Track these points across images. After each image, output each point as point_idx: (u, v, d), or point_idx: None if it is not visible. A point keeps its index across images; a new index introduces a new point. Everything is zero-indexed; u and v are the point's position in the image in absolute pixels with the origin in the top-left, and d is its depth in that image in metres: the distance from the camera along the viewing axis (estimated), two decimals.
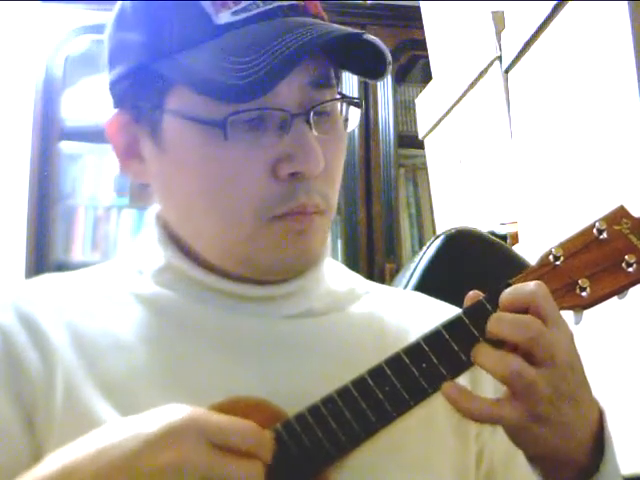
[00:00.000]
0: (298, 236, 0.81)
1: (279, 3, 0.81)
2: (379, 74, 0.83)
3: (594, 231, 0.79)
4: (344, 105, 0.85)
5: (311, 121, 0.79)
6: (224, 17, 0.80)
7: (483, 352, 0.73)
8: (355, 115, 0.85)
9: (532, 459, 0.77)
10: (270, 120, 0.79)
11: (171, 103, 0.81)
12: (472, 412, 0.72)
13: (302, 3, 0.82)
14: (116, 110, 0.86)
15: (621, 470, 0.86)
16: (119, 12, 0.86)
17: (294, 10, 0.82)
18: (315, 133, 0.80)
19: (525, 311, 0.73)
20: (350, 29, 0.81)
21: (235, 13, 0.80)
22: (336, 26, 0.81)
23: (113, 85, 0.86)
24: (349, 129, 0.85)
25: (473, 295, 0.77)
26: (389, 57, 0.81)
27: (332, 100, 0.82)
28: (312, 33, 0.77)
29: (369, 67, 0.82)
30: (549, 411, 0.72)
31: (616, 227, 0.79)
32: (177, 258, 0.86)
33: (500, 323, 0.73)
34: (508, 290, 0.75)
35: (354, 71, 0.84)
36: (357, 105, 0.85)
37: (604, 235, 0.79)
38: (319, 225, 0.82)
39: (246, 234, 0.81)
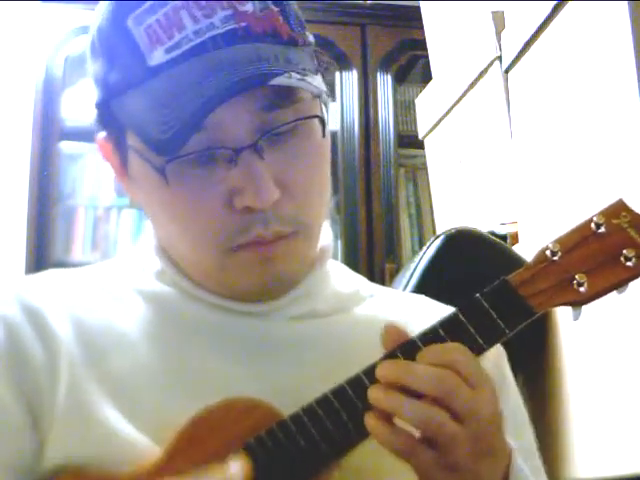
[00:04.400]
0: (263, 263, 0.80)
1: (212, 33, 0.78)
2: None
3: (592, 225, 0.79)
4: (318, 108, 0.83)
5: (260, 150, 0.77)
6: (157, 56, 0.78)
7: (402, 401, 0.72)
8: (326, 124, 0.83)
9: None
10: (218, 154, 0.78)
11: (129, 140, 0.82)
12: (389, 443, 0.72)
13: (243, 24, 0.79)
14: (104, 133, 0.86)
15: (621, 470, 0.86)
16: (91, 39, 0.85)
17: (230, 38, 0.78)
18: (271, 159, 0.78)
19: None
20: (266, 70, 0.77)
21: (168, 50, 0.78)
22: (255, 65, 0.77)
23: (95, 108, 0.86)
24: (324, 137, 0.83)
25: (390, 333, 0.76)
26: (313, 90, 0.79)
27: (284, 125, 0.79)
28: (231, 77, 0.75)
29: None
30: (466, 463, 0.72)
31: (615, 221, 0.78)
32: (172, 272, 0.86)
33: (416, 376, 0.72)
34: (427, 350, 0.74)
35: None
36: (320, 120, 0.82)
37: (602, 229, 0.78)
38: (286, 250, 0.81)
39: (214, 262, 0.81)
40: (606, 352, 1.20)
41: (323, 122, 0.83)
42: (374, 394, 0.73)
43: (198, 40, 0.78)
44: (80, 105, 2.89)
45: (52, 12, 2.87)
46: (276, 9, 0.81)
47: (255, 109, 0.78)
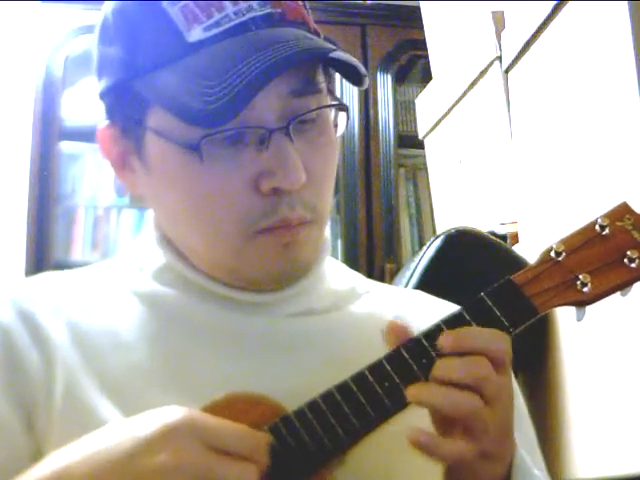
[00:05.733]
0: (284, 249, 0.81)
1: (252, 15, 0.79)
2: (359, 81, 0.82)
3: (596, 227, 0.79)
4: (332, 109, 0.84)
5: (291, 133, 0.78)
6: (195, 34, 0.78)
7: (434, 391, 0.72)
8: (342, 119, 0.84)
9: None
10: (249, 135, 0.79)
11: (151, 121, 0.81)
12: (445, 456, 0.71)
13: (279, 10, 0.81)
14: (106, 122, 0.86)
15: (621, 470, 0.86)
16: (102, 22, 0.86)
17: (268, 20, 0.80)
18: (297, 145, 0.79)
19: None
20: (321, 45, 0.79)
21: (207, 29, 0.78)
22: (308, 41, 0.79)
23: (101, 96, 0.86)
24: (338, 133, 0.84)
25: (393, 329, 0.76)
26: (363, 70, 0.80)
27: (313, 110, 0.81)
28: (279, 53, 0.76)
29: (351, 73, 0.81)
30: (494, 447, 0.73)
31: (619, 223, 0.79)
32: (176, 261, 0.86)
33: (448, 368, 0.72)
34: (458, 333, 0.74)
35: (340, 73, 0.83)
36: (343, 109, 0.84)
37: (606, 231, 0.79)
38: (306, 235, 0.81)
39: (232, 248, 0.81)
40: (606, 352, 1.20)
41: (347, 111, 0.84)
42: (411, 391, 0.73)
43: (238, 20, 0.79)
44: (80, 105, 2.89)
45: (52, 12, 2.87)
46: (300, 2, 0.84)
47: (285, 94, 0.79)
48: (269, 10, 0.80)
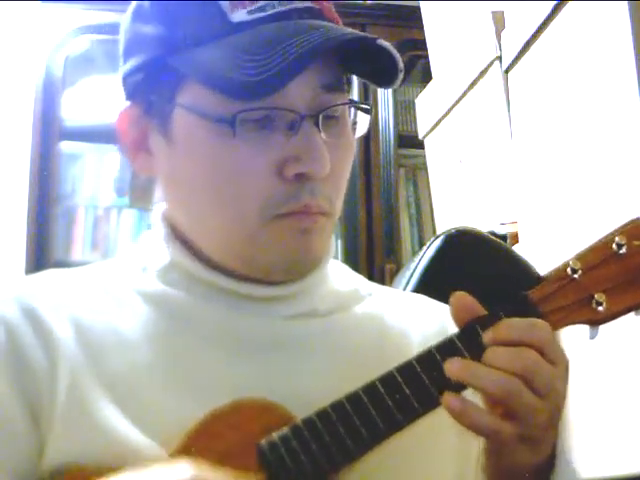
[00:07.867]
0: (301, 235, 0.81)
1: (295, 5, 0.81)
2: (390, 80, 0.82)
3: (613, 245, 0.79)
4: (353, 110, 0.85)
5: (320, 124, 0.80)
6: (239, 15, 0.80)
7: (479, 371, 0.73)
8: (364, 121, 0.85)
9: (493, 464, 0.78)
10: (279, 120, 0.80)
11: (182, 97, 0.82)
12: (475, 424, 0.72)
13: (318, 6, 0.83)
14: (127, 103, 0.87)
15: (621, 470, 0.86)
16: (137, 5, 0.87)
17: (309, 13, 0.82)
18: (323, 136, 0.80)
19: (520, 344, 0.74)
20: (364, 34, 0.81)
21: (251, 12, 0.80)
22: (349, 30, 0.81)
23: (126, 77, 0.87)
24: (357, 135, 0.85)
25: (458, 296, 0.77)
26: (401, 64, 0.81)
27: (342, 104, 0.83)
28: (325, 35, 0.78)
29: (380, 73, 0.82)
30: (540, 436, 0.74)
31: (636, 242, 0.79)
32: (182, 256, 0.86)
33: (496, 355, 0.74)
34: (507, 324, 0.75)
35: (364, 76, 0.85)
36: (367, 111, 0.85)
37: (623, 250, 0.78)
38: (322, 226, 0.82)
39: (250, 231, 0.81)
40: (605, 356, 1.20)
41: (369, 112, 0.86)
42: (452, 367, 0.74)
43: (281, 8, 0.81)
44: (80, 105, 2.89)
45: (52, 12, 2.87)
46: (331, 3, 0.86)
47: (316, 86, 0.81)
48: (309, 4, 0.83)
